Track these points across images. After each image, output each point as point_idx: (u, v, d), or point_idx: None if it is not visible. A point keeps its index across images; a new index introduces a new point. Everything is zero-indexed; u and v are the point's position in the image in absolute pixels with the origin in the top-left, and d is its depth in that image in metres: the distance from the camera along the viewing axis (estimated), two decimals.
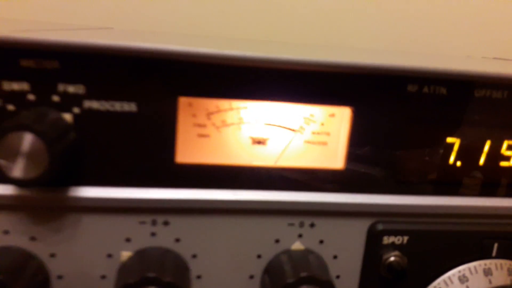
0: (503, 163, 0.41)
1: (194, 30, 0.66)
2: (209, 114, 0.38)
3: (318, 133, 0.39)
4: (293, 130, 0.39)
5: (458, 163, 0.41)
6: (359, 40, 0.63)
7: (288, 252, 0.39)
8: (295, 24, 0.56)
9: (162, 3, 0.60)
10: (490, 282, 0.40)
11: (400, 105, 0.38)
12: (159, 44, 0.33)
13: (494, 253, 0.41)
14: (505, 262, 0.41)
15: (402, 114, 0.38)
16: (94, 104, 0.34)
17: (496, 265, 0.41)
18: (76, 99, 0.34)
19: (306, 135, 0.39)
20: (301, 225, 0.39)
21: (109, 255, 0.38)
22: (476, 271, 0.40)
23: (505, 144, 0.41)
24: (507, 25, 0.50)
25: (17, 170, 0.31)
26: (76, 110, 0.34)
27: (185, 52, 0.34)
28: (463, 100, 0.39)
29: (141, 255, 0.37)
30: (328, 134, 0.40)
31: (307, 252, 0.39)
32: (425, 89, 0.38)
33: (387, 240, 0.39)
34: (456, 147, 0.40)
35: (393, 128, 0.38)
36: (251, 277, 0.40)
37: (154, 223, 0.37)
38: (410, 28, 0.46)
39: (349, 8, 0.55)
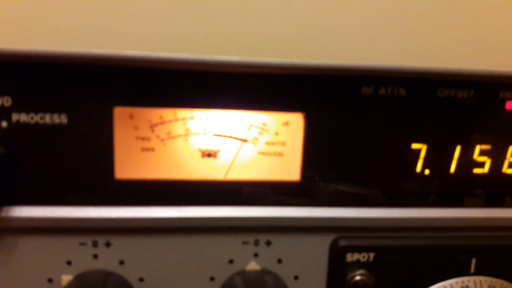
0: (476, 170, 0.38)
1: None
2: (152, 126, 0.36)
3: (273, 143, 0.37)
4: (245, 141, 0.37)
5: (427, 171, 0.38)
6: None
7: (243, 273, 0.36)
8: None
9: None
10: None
11: (355, 108, 0.35)
12: (89, 48, 0.31)
13: (472, 270, 0.38)
14: (485, 279, 0.38)
15: (358, 118, 0.35)
16: (23, 117, 0.32)
17: (475, 282, 0.37)
18: (3, 112, 0.32)
19: (259, 145, 0.37)
20: (256, 243, 0.37)
21: (50, 280, 0.35)
22: None
23: (477, 149, 0.38)
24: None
25: None
26: (3, 123, 0.32)
27: (119, 56, 0.32)
28: (425, 102, 0.36)
29: (82, 279, 0.34)
30: (283, 144, 0.37)
31: (263, 273, 0.36)
32: (382, 91, 0.35)
33: (351, 257, 0.36)
34: (423, 154, 0.37)
35: (350, 134, 0.36)
36: None
37: (95, 244, 0.35)
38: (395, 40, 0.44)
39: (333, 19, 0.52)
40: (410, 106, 0.36)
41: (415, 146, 0.38)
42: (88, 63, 0.32)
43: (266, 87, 0.35)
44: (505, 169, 0.39)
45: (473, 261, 0.38)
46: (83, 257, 0.35)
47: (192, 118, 0.36)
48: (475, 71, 0.36)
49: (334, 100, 0.35)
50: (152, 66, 0.33)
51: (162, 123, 0.36)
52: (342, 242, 0.37)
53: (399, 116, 0.36)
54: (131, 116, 0.35)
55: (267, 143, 0.37)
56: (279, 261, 0.37)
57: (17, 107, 0.32)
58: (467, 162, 0.38)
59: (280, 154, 0.37)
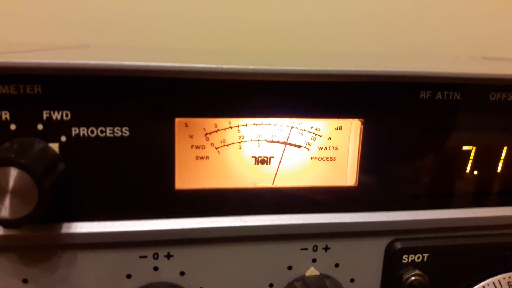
0: None
1: (171, 43, 0.64)
2: (207, 134, 0.36)
3: (325, 148, 0.38)
4: (299, 147, 0.38)
5: (475, 172, 0.39)
6: (342, 45, 0.62)
7: (303, 279, 0.37)
8: (283, 32, 0.54)
9: (138, 16, 0.57)
10: None
11: (412, 113, 0.36)
12: (150, 61, 0.31)
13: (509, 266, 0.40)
14: None
15: (415, 123, 0.36)
16: (83, 131, 0.32)
17: None
18: (62, 127, 0.31)
19: (312, 150, 0.37)
20: (315, 249, 0.37)
21: None
22: (501, 285, 0.39)
23: None
24: (492, 23, 0.49)
25: (5, 210, 0.28)
26: (63, 138, 0.31)
27: (178, 69, 0.32)
28: (479, 105, 0.37)
29: None
30: (336, 148, 0.38)
31: (322, 278, 0.37)
32: (439, 96, 0.36)
33: (406, 258, 0.38)
34: (472, 155, 0.39)
35: (406, 138, 0.37)
36: None
37: (156, 256, 0.35)
38: (395, 30, 0.45)
39: (330, 11, 0.53)
40: (464, 109, 0.37)
41: (465, 147, 0.39)
42: (148, 76, 0.32)
43: (322, 95, 0.35)
44: None
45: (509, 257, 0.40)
46: (144, 269, 0.35)
47: (245, 125, 0.36)
48: None
49: (393, 105, 0.36)
50: (209, 78, 0.33)
51: (217, 131, 0.36)
52: (398, 245, 0.38)
53: (453, 120, 0.37)
54: (186, 125, 0.35)
55: (320, 148, 0.38)
56: (337, 265, 0.38)
57: (77, 121, 0.32)
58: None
59: (333, 159, 0.38)
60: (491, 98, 0.38)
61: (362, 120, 0.37)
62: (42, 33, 0.62)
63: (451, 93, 0.37)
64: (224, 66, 0.32)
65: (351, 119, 0.37)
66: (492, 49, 0.57)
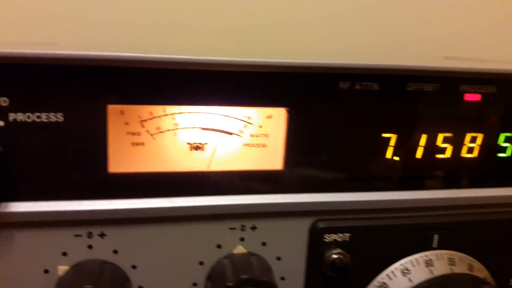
0: (439, 156, 0.44)
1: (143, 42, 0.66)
2: (142, 122, 0.39)
3: (257, 136, 0.41)
4: (231, 134, 0.41)
5: (396, 158, 0.43)
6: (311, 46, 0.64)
7: (230, 256, 0.40)
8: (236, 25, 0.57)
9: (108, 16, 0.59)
10: (431, 272, 0.42)
11: (333, 102, 0.39)
12: (82, 51, 0.34)
13: (435, 244, 0.44)
14: (445, 252, 0.44)
15: (335, 112, 0.40)
16: (20, 116, 0.35)
17: (437, 255, 0.43)
18: (0, 112, 0.34)
19: (245, 138, 0.41)
20: (243, 228, 0.41)
21: (46, 271, 0.38)
22: (418, 263, 0.43)
23: (441, 137, 0.43)
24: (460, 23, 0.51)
25: None
26: (1, 123, 0.34)
27: (109, 57, 0.35)
28: (396, 95, 0.41)
29: (77, 269, 0.37)
30: (267, 136, 0.41)
31: (249, 255, 0.40)
32: (357, 86, 0.40)
33: (328, 238, 0.41)
34: (393, 142, 0.42)
35: (328, 126, 0.40)
36: (195, 284, 0.41)
37: (90, 235, 0.38)
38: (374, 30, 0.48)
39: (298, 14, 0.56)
40: (382, 99, 0.41)
41: (385, 134, 0.43)
42: (82, 64, 0.35)
43: (251, 84, 0.39)
44: (464, 154, 0.45)
45: (436, 237, 0.44)
46: (78, 248, 0.38)
47: (180, 113, 0.39)
48: (446, 67, 0.41)
49: (314, 94, 0.39)
50: (142, 66, 0.36)
51: (152, 118, 0.39)
52: (321, 225, 0.42)
53: (371, 108, 0.41)
54: (122, 113, 0.38)
55: (252, 135, 0.41)
56: (263, 244, 0.42)
57: (14, 107, 0.35)
58: (431, 148, 0.44)
59: (264, 146, 0.42)
60: (408, 89, 0.41)
61: (287, 109, 0.40)
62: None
63: (369, 83, 0.40)
64: (152, 56, 0.35)
65: (277, 108, 0.40)
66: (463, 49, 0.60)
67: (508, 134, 0.46)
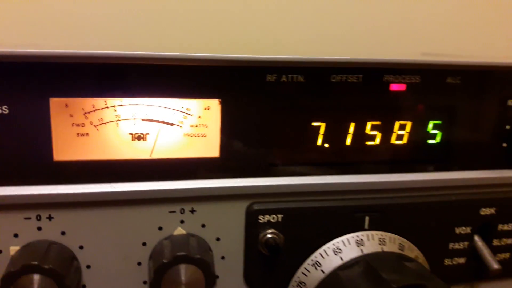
0: (369, 143, 0.47)
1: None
2: (86, 114, 0.43)
3: (197, 126, 0.45)
4: (172, 124, 0.45)
5: (326, 145, 0.46)
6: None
7: (170, 237, 0.44)
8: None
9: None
10: (361, 251, 0.46)
11: (262, 94, 0.43)
12: (24, 48, 0.38)
13: (366, 226, 0.47)
14: (376, 233, 0.47)
15: (265, 103, 0.44)
16: None
17: (368, 236, 0.47)
18: None
19: (185, 128, 0.44)
20: (182, 211, 0.45)
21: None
22: (349, 243, 0.46)
23: (369, 125, 0.47)
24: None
25: None
26: None
27: (50, 54, 0.38)
28: (321, 86, 0.44)
29: (27, 248, 0.41)
30: (206, 126, 0.45)
31: (188, 236, 0.44)
32: (284, 78, 0.43)
33: (262, 219, 0.45)
34: (322, 130, 0.46)
35: (259, 115, 0.44)
36: (139, 264, 0.45)
37: (38, 218, 0.42)
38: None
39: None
40: (308, 90, 0.45)
41: (315, 123, 0.46)
42: (24, 61, 0.39)
43: (186, 77, 0.42)
44: (393, 141, 0.48)
45: (367, 218, 0.48)
46: (28, 230, 0.42)
47: (121, 105, 0.43)
48: (364, 59, 0.45)
49: (244, 86, 0.43)
50: (82, 62, 0.40)
51: (94, 110, 0.43)
52: (255, 207, 0.45)
53: (299, 99, 0.45)
54: (66, 105, 0.42)
55: (192, 126, 0.45)
56: (203, 225, 0.46)
57: None
58: (360, 136, 0.47)
59: (204, 135, 0.45)
60: (332, 80, 0.45)
61: (220, 100, 0.44)
62: None
63: (294, 75, 0.44)
64: (90, 52, 0.39)
65: (211, 99, 0.44)
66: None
67: (436, 122, 0.49)
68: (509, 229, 0.52)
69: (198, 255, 0.42)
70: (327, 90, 0.45)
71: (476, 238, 0.52)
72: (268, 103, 0.44)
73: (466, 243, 0.51)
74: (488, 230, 0.52)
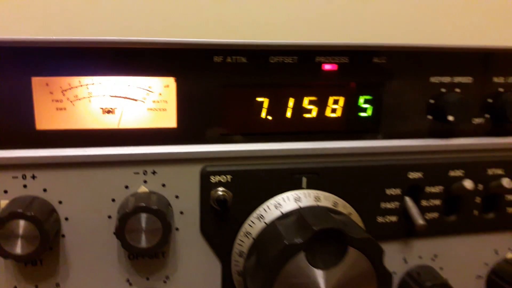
0: (306, 115, 0.56)
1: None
2: (63, 91, 0.52)
3: (158, 102, 0.54)
4: (136, 100, 0.54)
5: (269, 117, 0.55)
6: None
7: (135, 194, 0.53)
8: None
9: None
10: (299, 206, 0.54)
11: (211, 73, 0.52)
12: (9, 34, 0.47)
13: (304, 185, 0.56)
14: (312, 191, 0.56)
15: (213, 80, 0.52)
16: None
17: (304, 193, 0.56)
18: None
19: (148, 103, 0.53)
20: (145, 173, 0.54)
21: None
22: (289, 199, 0.55)
23: (306, 100, 0.56)
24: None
25: None
26: None
27: (33, 40, 0.48)
28: (261, 66, 0.53)
29: (14, 201, 0.51)
30: (166, 102, 0.54)
31: (150, 193, 0.53)
32: (229, 59, 0.52)
33: (214, 179, 0.54)
34: (266, 105, 0.55)
35: (210, 92, 0.53)
36: (109, 217, 0.54)
37: (24, 177, 0.51)
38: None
39: None
40: (251, 70, 0.53)
41: (259, 99, 0.55)
42: (10, 46, 0.48)
43: (147, 58, 0.51)
44: (328, 114, 0.57)
45: (304, 179, 0.56)
46: (16, 187, 0.52)
47: (92, 84, 0.52)
48: (299, 42, 0.53)
49: (195, 67, 0.52)
50: (60, 46, 0.49)
51: (70, 88, 0.52)
52: (208, 169, 0.54)
53: (243, 77, 0.54)
54: (47, 84, 0.52)
55: (154, 102, 0.54)
56: (163, 185, 0.55)
57: None
58: (299, 109, 0.56)
59: (164, 110, 0.54)
60: (271, 61, 0.54)
61: (175, 78, 0.53)
62: None
63: (238, 57, 0.53)
64: (62, 38, 0.48)
65: (168, 78, 0.53)
66: None
67: (367, 97, 0.58)
68: (436, 191, 0.60)
69: (156, 206, 0.51)
70: (267, 70, 0.54)
71: (407, 199, 0.60)
72: (216, 81, 0.53)
73: (397, 203, 0.60)
74: (417, 192, 0.60)
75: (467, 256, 0.65)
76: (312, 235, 0.48)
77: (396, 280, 0.63)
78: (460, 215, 0.62)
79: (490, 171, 0.61)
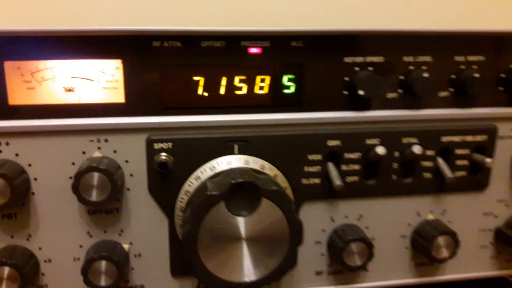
0: (237, 92, 0.67)
1: None
2: (32, 73, 0.64)
3: (110, 82, 0.65)
4: (92, 80, 0.66)
5: (205, 94, 0.66)
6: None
7: (90, 158, 0.65)
8: None
9: None
10: (230, 167, 0.65)
11: (150, 56, 0.63)
12: None
13: (235, 152, 0.67)
14: (243, 156, 0.66)
15: (154, 63, 0.64)
16: None
17: (236, 158, 0.66)
18: None
19: (102, 83, 0.65)
20: (99, 140, 0.65)
21: None
22: (222, 163, 0.66)
23: (237, 78, 0.67)
24: None
25: None
26: None
27: (3, 30, 0.60)
28: (195, 50, 0.64)
29: None
30: (117, 81, 0.66)
31: (102, 157, 0.65)
32: (166, 44, 0.64)
33: (157, 146, 0.65)
34: (201, 83, 0.66)
35: (152, 72, 0.64)
36: (70, 177, 0.65)
37: None
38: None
39: None
40: (183, 52, 0.65)
41: (195, 78, 0.66)
42: None
43: (99, 44, 0.63)
44: (257, 91, 0.68)
45: (236, 146, 0.67)
46: None
47: (55, 67, 0.64)
48: (224, 29, 0.64)
49: (137, 51, 0.64)
50: (28, 35, 0.61)
51: (38, 71, 0.64)
52: (152, 137, 0.66)
53: (180, 59, 0.65)
54: (18, 68, 0.64)
55: (107, 81, 0.66)
56: (115, 151, 0.66)
57: None
58: (231, 87, 0.67)
59: (116, 88, 0.66)
60: (202, 45, 0.65)
61: (121, 60, 0.64)
62: None
63: (173, 42, 0.64)
64: (29, 28, 0.60)
65: (116, 60, 0.65)
66: None
67: (290, 76, 0.68)
68: (354, 157, 0.70)
69: (104, 167, 0.62)
70: (200, 53, 0.65)
71: (329, 164, 0.70)
72: (157, 63, 0.64)
73: (319, 167, 0.69)
74: (337, 158, 0.70)
75: (390, 217, 0.74)
76: (230, 187, 0.58)
77: (325, 237, 0.73)
78: (379, 179, 0.72)
79: (405, 140, 0.70)
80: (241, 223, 0.60)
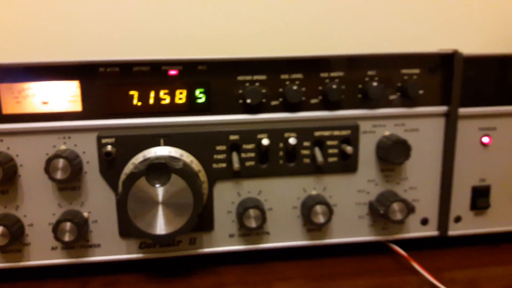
0: (162, 102, 0.96)
1: None
2: (19, 91, 0.95)
3: (72, 96, 0.95)
4: (62, 96, 0.96)
5: (139, 103, 0.96)
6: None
7: (58, 150, 0.95)
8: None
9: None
10: (156, 155, 0.94)
11: (98, 78, 0.93)
12: None
13: (162, 144, 0.96)
14: (167, 147, 0.95)
15: (101, 83, 0.94)
16: None
17: (161, 149, 0.94)
18: None
19: (67, 97, 0.95)
20: (65, 138, 0.94)
21: None
22: (151, 152, 0.95)
23: (162, 92, 0.96)
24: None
25: None
26: None
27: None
28: (129, 74, 0.94)
29: None
30: (77, 96, 0.96)
31: (66, 149, 0.94)
32: (108, 69, 0.94)
33: (104, 140, 0.95)
34: (136, 96, 0.96)
35: (100, 89, 0.94)
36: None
37: None
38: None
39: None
40: (123, 76, 0.95)
41: (131, 92, 0.96)
42: None
43: (62, 71, 0.93)
44: (177, 101, 0.97)
45: (162, 140, 0.96)
46: None
47: (32, 88, 0.95)
48: (149, 58, 0.94)
49: (88, 74, 0.94)
50: (14, 68, 0.92)
51: (23, 90, 0.95)
52: (100, 134, 0.95)
53: (119, 80, 0.95)
54: (10, 88, 0.95)
55: (72, 96, 0.96)
56: (75, 145, 0.95)
57: None
58: (158, 98, 0.97)
59: (76, 100, 0.96)
60: (134, 70, 0.95)
61: (79, 81, 0.95)
62: None
63: (113, 68, 0.94)
64: (10, 62, 0.91)
65: (75, 81, 0.95)
66: None
67: (200, 90, 0.97)
68: (250, 147, 0.97)
69: (66, 154, 0.92)
70: (133, 75, 0.94)
71: (233, 153, 0.98)
72: (103, 83, 0.94)
73: (225, 155, 0.97)
74: (238, 148, 0.99)
75: (283, 192, 1.00)
76: (147, 165, 0.87)
77: (234, 207, 1.01)
78: (270, 164, 0.99)
79: (286, 134, 0.98)
80: (158, 192, 0.88)
